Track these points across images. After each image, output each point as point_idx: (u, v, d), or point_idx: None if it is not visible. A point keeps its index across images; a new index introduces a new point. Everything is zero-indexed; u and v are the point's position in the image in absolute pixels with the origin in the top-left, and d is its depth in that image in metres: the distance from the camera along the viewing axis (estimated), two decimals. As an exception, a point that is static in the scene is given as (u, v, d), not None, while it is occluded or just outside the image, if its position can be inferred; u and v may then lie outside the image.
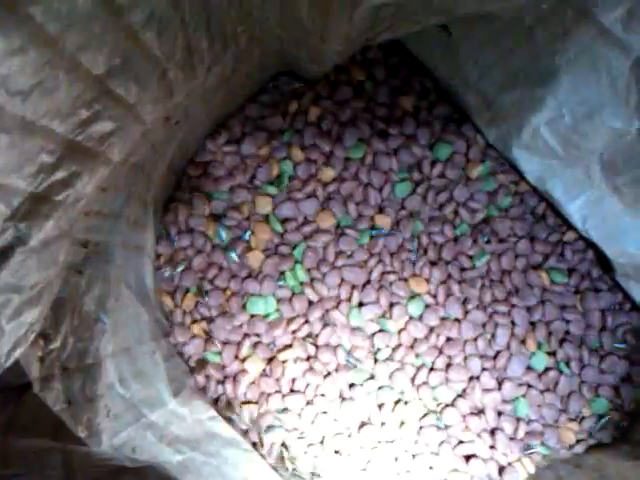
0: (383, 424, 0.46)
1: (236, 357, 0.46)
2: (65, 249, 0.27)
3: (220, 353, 0.46)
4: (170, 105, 0.31)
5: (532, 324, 0.47)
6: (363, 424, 0.46)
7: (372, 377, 0.46)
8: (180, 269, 0.46)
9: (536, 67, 0.41)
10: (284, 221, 0.46)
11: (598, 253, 0.46)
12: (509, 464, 0.46)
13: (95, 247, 0.34)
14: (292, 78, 0.48)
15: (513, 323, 0.46)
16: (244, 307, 0.46)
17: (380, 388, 0.46)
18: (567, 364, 0.46)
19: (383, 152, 0.47)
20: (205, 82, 0.34)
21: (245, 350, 0.46)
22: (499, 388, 0.46)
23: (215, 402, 0.46)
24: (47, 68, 0.18)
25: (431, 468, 0.46)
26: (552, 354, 0.46)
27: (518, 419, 0.46)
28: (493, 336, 0.46)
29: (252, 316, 0.46)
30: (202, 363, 0.46)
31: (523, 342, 0.46)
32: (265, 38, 0.38)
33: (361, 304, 0.46)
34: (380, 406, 0.46)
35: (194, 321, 0.46)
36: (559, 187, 0.44)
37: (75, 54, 0.19)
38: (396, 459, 0.46)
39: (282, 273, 0.46)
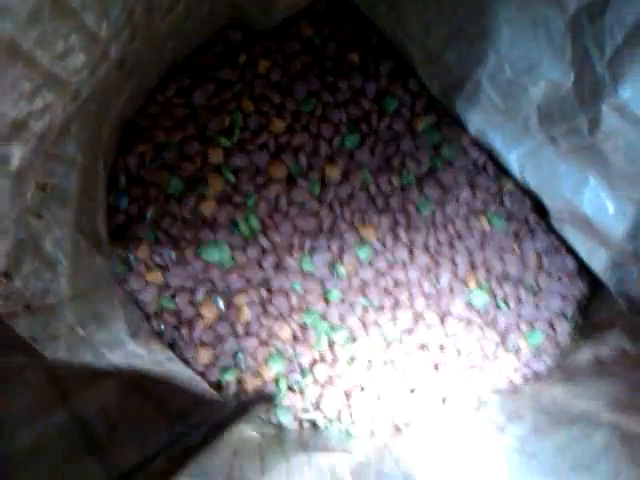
0: (334, 361, 0.49)
1: (191, 303, 0.48)
2: (31, 185, 0.28)
3: (175, 299, 0.47)
4: (129, 50, 0.32)
5: (473, 265, 0.49)
6: (315, 362, 0.49)
7: (323, 318, 0.49)
8: (132, 219, 0.46)
9: (478, 24, 0.42)
10: (237, 172, 0.47)
11: (535, 201, 0.48)
12: (451, 395, 0.49)
13: (53, 191, 0.35)
14: (241, 30, 0.48)
15: (455, 264, 0.49)
16: (199, 255, 0.47)
17: (331, 328, 0.49)
18: (505, 301, 0.49)
19: (332, 105, 0.48)
20: (159, 30, 0.35)
21: (200, 296, 0.47)
22: (442, 324, 0.49)
23: (172, 346, 0.48)
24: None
25: (378, 398, 0.49)
26: (491, 293, 0.50)
27: (460, 352, 0.49)
28: (437, 277, 0.49)
29: (207, 264, 0.47)
30: (158, 309, 0.48)
31: (464, 282, 0.49)
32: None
33: (313, 250, 0.48)
34: (331, 344, 0.49)
35: (148, 269, 0.47)
36: (499, 138, 0.46)
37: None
38: (346, 394, 0.49)
39: (236, 222, 0.48)
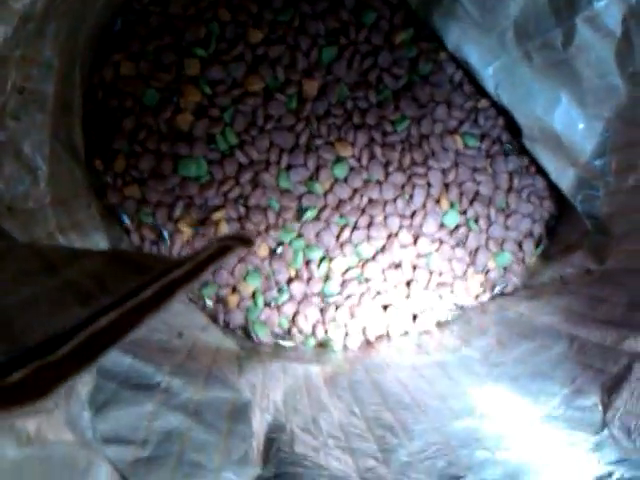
0: (310, 279, 0.50)
1: (169, 218, 0.48)
2: (10, 82, 0.28)
3: (153, 214, 0.47)
4: None
5: (446, 185, 0.50)
6: (291, 279, 0.50)
7: (300, 236, 0.49)
8: (109, 130, 0.46)
9: None
10: (213, 84, 0.47)
11: (508, 120, 0.49)
12: (421, 311, 0.51)
13: (30, 95, 0.34)
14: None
15: (429, 184, 0.50)
16: (175, 170, 0.47)
17: (307, 246, 0.50)
18: (476, 221, 0.51)
19: (310, 16, 0.48)
20: None
21: (178, 211, 0.47)
22: (415, 244, 0.50)
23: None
24: None
25: (352, 317, 0.50)
26: (463, 213, 0.51)
27: (431, 272, 0.51)
28: (411, 197, 0.50)
29: (184, 178, 0.47)
30: (136, 223, 0.48)
31: (437, 202, 0.50)
32: None
33: (289, 167, 0.48)
34: (307, 262, 0.50)
35: (126, 183, 0.47)
36: (475, 53, 0.46)
37: None
38: (321, 310, 0.50)
39: (212, 136, 0.47)
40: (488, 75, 0.46)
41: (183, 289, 0.17)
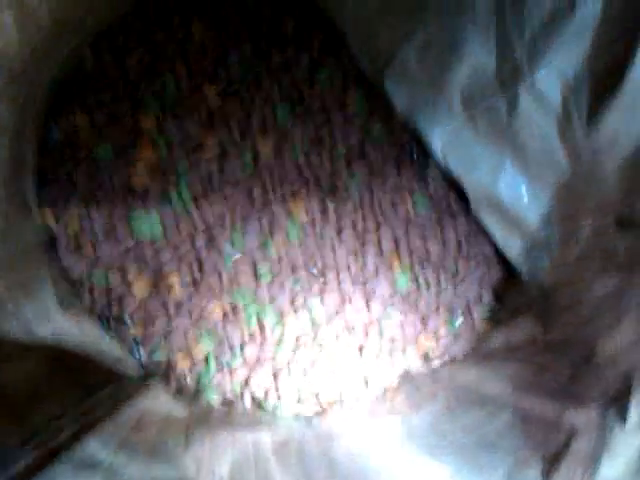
0: (263, 342, 0.50)
1: (122, 279, 0.47)
2: None
3: (106, 275, 0.47)
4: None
5: (398, 250, 0.51)
6: (245, 342, 0.50)
7: (254, 299, 0.50)
8: (62, 185, 0.46)
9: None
10: (168, 138, 0.47)
11: (457, 185, 0.51)
12: (373, 376, 0.51)
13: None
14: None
15: (381, 249, 0.51)
16: (130, 229, 0.47)
17: (261, 309, 0.50)
18: (427, 287, 0.52)
19: (265, 74, 0.49)
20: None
21: (131, 273, 0.47)
22: (368, 308, 0.51)
23: (101, 322, 0.47)
24: None
25: (305, 381, 0.50)
26: (414, 278, 0.52)
27: (383, 337, 0.51)
28: (364, 261, 0.51)
29: (138, 240, 0.47)
30: (88, 285, 0.47)
31: (390, 267, 0.51)
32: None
33: (244, 229, 0.49)
34: (261, 326, 0.50)
35: (78, 242, 0.47)
36: (423, 118, 0.47)
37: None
38: (274, 375, 0.50)
39: (167, 194, 0.48)
40: (436, 140, 0.48)
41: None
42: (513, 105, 0.42)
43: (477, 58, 0.42)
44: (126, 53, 0.47)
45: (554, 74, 0.39)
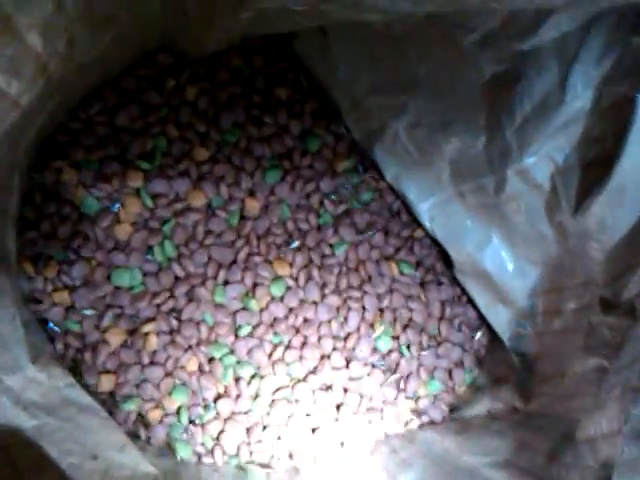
0: (238, 396, 0.48)
1: (97, 327, 0.46)
2: None
3: (81, 322, 0.46)
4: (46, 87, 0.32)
5: (380, 310, 0.51)
6: (219, 396, 0.48)
7: (231, 352, 0.48)
8: (44, 236, 0.45)
9: (401, 75, 0.45)
10: (155, 196, 0.47)
11: (442, 250, 0.51)
12: (349, 438, 0.50)
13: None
14: (170, 55, 0.48)
15: (364, 308, 0.50)
16: (109, 278, 0.46)
17: (238, 362, 0.49)
18: (408, 348, 0.51)
19: (256, 138, 0.49)
20: (82, 60, 0.35)
21: (107, 321, 0.46)
22: (347, 367, 0.50)
23: (73, 370, 0.46)
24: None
25: (279, 439, 0.49)
26: (396, 338, 0.51)
27: (361, 396, 0.50)
28: (345, 319, 0.50)
29: (117, 288, 0.46)
30: (62, 331, 0.46)
31: (371, 326, 0.50)
32: (147, 19, 0.38)
33: (226, 282, 0.48)
34: (237, 379, 0.48)
35: (56, 289, 0.45)
36: (412, 188, 0.48)
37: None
38: (247, 430, 0.48)
39: (150, 247, 0.47)
40: (424, 209, 0.48)
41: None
42: (501, 185, 0.42)
43: (466, 138, 0.43)
44: (117, 112, 0.47)
45: (544, 160, 0.40)
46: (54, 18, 0.25)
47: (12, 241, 0.42)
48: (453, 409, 0.52)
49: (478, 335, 0.52)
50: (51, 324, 0.46)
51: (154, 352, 0.47)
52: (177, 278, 0.47)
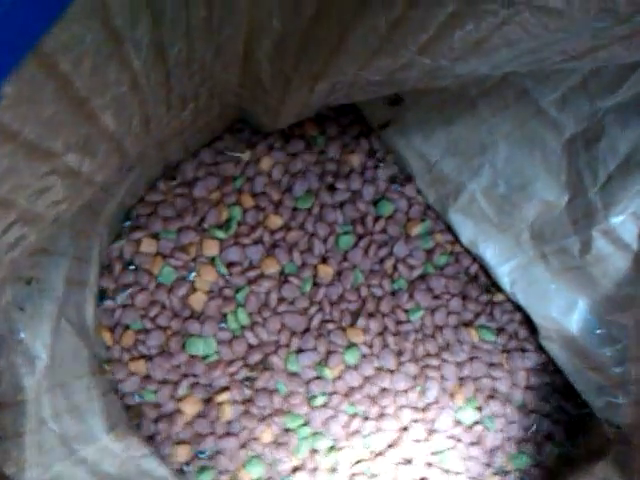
0: (315, 469, 0.47)
1: (172, 397, 0.46)
2: (8, 291, 0.28)
3: (157, 392, 0.46)
4: (122, 163, 0.32)
5: (461, 379, 0.48)
6: (296, 469, 0.47)
7: (306, 423, 0.47)
8: (122, 305, 0.46)
9: (476, 136, 0.44)
10: (229, 265, 0.47)
11: (525, 315, 0.48)
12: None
13: (38, 284, 0.34)
14: (247, 128, 0.50)
15: (443, 377, 0.48)
16: (184, 347, 0.46)
17: (314, 434, 0.47)
18: (493, 420, 0.48)
19: (329, 205, 0.49)
20: (161, 135, 0.36)
21: (182, 390, 0.46)
22: (428, 439, 0.47)
23: (149, 440, 0.46)
24: (8, 153, 0.19)
25: (359, 515, 0.46)
26: (479, 409, 0.48)
27: (445, 471, 0.47)
28: (424, 389, 0.48)
29: (191, 356, 0.46)
30: (138, 401, 0.46)
31: (452, 396, 0.48)
32: (225, 95, 0.39)
33: (300, 350, 0.47)
34: (313, 452, 0.47)
35: (132, 358, 0.46)
36: (490, 251, 0.46)
37: (35, 141, 0.20)
38: (326, 505, 0.46)
39: (224, 315, 0.47)
40: (503, 273, 0.46)
41: None
42: (586, 247, 0.40)
43: (547, 198, 0.41)
44: (195, 183, 0.48)
45: (631, 219, 0.37)
46: (128, 98, 0.25)
47: (91, 311, 0.43)
48: (545, 485, 0.48)
49: (567, 405, 0.49)
50: (127, 394, 0.46)
51: (228, 422, 0.46)
52: (250, 346, 0.47)
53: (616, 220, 0.38)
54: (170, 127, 0.35)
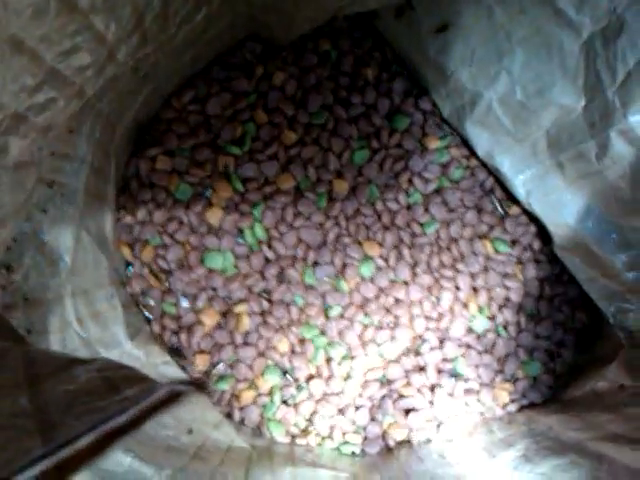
0: (330, 377, 0.48)
1: (192, 309, 0.48)
2: (33, 179, 0.29)
3: (176, 304, 0.47)
4: (141, 55, 0.32)
5: (475, 289, 0.49)
6: (311, 377, 0.49)
7: (322, 333, 0.49)
8: (141, 222, 0.47)
9: (493, 44, 0.43)
10: (245, 180, 0.48)
11: (540, 226, 0.48)
12: (446, 419, 0.49)
13: (60, 188, 0.35)
14: (259, 42, 0.49)
15: (457, 288, 0.49)
16: (202, 261, 0.47)
17: (329, 344, 0.49)
18: (505, 328, 0.49)
19: (344, 119, 0.49)
20: (175, 38, 0.36)
21: (201, 302, 0.47)
22: (441, 347, 0.49)
23: (169, 350, 0.48)
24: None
25: (373, 420, 0.48)
26: (492, 318, 0.49)
27: (457, 377, 0.49)
28: (438, 299, 0.49)
29: (210, 270, 0.48)
30: (159, 313, 0.48)
31: (465, 305, 0.49)
32: (237, 3, 0.39)
33: (316, 264, 0.48)
34: (328, 360, 0.49)
35: (152, 273, 0.47)
36: (506, 162, 0.46)
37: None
38: (340, 411, 0.48)
39: (241, 231, 0.48)
40: (519, 183, 0.46)
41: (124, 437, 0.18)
42: (603, 150, 0.39)
43: (564, 101, 0.40)
44: (208, 100, 0.48)
45: None
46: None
47: (110, 226, 0.44)
48: (554, 390, 0.49)
49: (579, 313, 0.50)
50: (148, 306, 0.48)
51: (247, 333, 0.48)
52: (267, 260, 0.48)
53: (634, 118, 0.38)
54: (184, 31, 0.35)
